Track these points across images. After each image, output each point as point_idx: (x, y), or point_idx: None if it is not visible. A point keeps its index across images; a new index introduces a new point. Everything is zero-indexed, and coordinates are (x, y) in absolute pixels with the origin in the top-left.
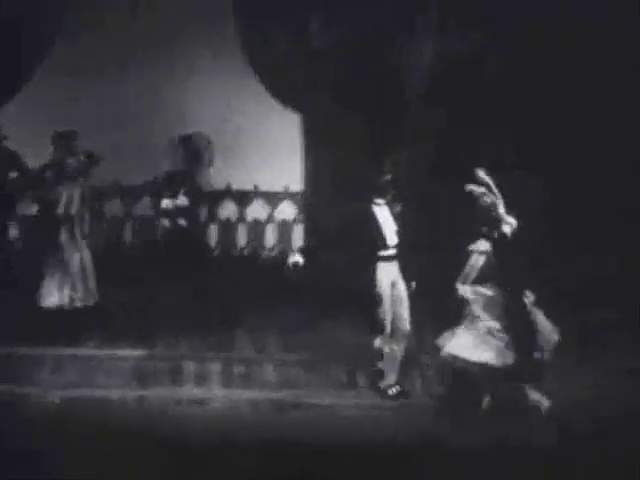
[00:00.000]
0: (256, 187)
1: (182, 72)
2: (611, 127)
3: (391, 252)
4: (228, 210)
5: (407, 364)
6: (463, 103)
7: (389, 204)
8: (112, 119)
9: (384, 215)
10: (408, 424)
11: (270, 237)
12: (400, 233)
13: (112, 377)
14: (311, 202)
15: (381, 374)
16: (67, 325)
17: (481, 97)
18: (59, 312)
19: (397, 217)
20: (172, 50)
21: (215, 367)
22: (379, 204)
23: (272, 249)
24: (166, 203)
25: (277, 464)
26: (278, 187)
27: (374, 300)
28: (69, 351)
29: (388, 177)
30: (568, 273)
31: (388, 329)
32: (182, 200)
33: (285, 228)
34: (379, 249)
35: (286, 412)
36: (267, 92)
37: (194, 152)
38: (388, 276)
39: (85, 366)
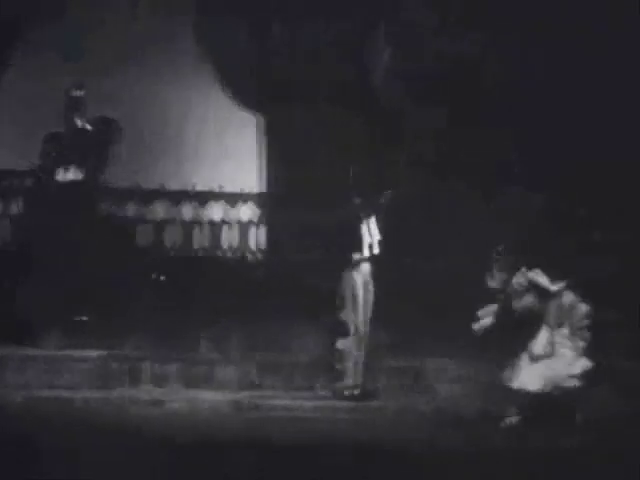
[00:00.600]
0: (217, 188)
1: (138, 74)
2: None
3: (366, 254)
4: (188, 211)
5: (368, 366)
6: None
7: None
8: None
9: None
10: (367, 426)
11: (229, 238)
12: (377, 237)
13: (74, 378)
14: (270, 204)
15: (341, 376)
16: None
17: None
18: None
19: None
20: (129, 51)
21: (175, 368)
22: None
23: (231, 250)
24: None
25: (234, 464)
26: (237, 188)
27: (343, 302)
28: (31, 352)
29: (383, 200)
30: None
31: (352, 331)
32: None
33: (244, 229)
34: (356, 251)
35: (245, 413)
36: (227, 94)
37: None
38: (363, 278)
39: (47, 367)
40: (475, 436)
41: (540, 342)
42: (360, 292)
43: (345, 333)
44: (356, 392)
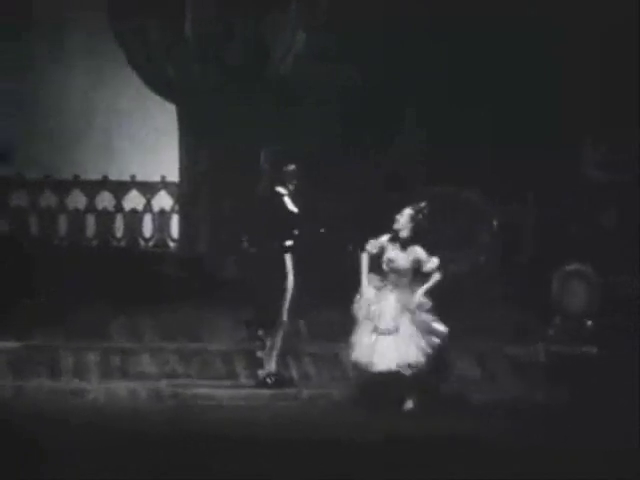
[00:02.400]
0: (132, 177)
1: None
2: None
3: (292, 243)
4: (105, 201)
5: (284, 353)
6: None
7: (291, 195)
8: None
9: (290, 206)
10: (285, 413)
11: (148, 227)
12: (300, 224)
13: None
14: (188, 192)
15: (261, 363)
16: None
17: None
18: None
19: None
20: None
21: (93, 358)
22: (282, 194)
23: (150, 239)
24: None
25: (153, 454)
26: (155, 177)
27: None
28: None
29: (292, 167)
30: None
31: (271, 319)
32: None
33: (163, 218)
34: (286, 239)
35: (165, 401)
36: (142, 82)
37: None
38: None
39: None
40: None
41: (386, 317)
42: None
43: (265, 321)
44: (274, 379)
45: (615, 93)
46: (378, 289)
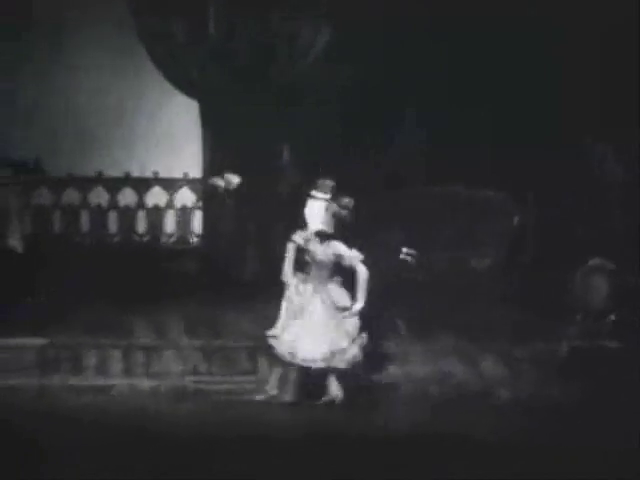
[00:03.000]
0: (155, 174)
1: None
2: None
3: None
4: (127, 197)
5: None
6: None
7: (328, 201)
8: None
9: (315, 209)
10: (309, 411)
11: (170, 224)
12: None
13: (12, 366)
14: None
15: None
16: None
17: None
18: None
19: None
20: (62, 37)
21: (116, 355)
22: (316, 197)
23: (171, 235)
24: None
25: (179, 452)
26: (177, 174)
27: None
28: None
29: (329, 182)
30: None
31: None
32: None
33: (185, 215)
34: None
35: (188, 399)
36: (164, 78)
37: None
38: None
39: None
40: None
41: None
42: None
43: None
44: None
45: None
46: (301, 281)
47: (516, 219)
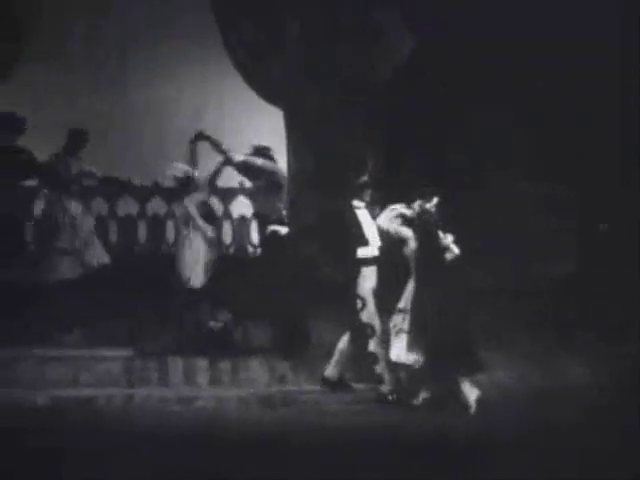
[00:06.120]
0: (240, 184)
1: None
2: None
3: (373, 255)
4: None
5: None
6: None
7: (368, 207)
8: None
9: (365, 218)
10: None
11: (255, 234)
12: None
13: (99, 377)
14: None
15: (381, 379)
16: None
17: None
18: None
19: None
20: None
21: (202, 365)
22: (359, 207)
23: (254, 246)
24: None
25: (264, 462)
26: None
27: (364, 302)
28: (54, 352)
29: (365, 178)
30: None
31: (378, 333)
32: None
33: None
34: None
35: (276, 409)
36: (246, 83)
37: None
38: (370, 280)
39: (71, 366)
40: None
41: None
42: (370, 294)
43: (371, 335)
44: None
45: None
46: None
47: (603, 226)
